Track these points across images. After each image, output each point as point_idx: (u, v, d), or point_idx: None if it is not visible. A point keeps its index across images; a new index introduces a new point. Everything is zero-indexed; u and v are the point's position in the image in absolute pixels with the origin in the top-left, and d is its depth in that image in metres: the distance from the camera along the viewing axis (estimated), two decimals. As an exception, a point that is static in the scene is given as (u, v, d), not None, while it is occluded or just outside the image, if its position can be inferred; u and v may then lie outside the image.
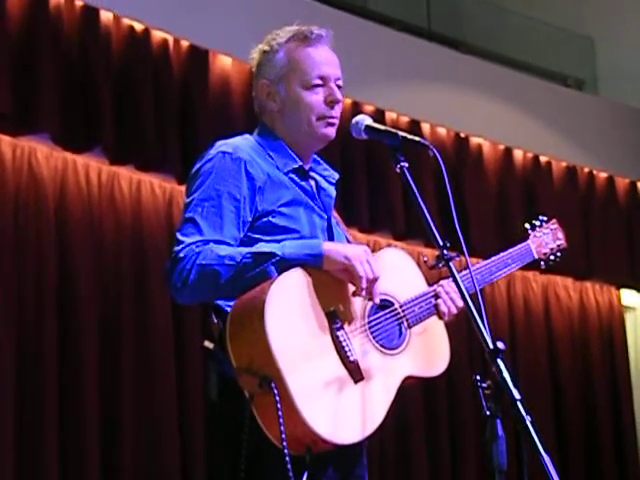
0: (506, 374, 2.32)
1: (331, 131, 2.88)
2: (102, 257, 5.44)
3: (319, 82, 2.86)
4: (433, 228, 2.57)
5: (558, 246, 3.36)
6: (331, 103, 2.86)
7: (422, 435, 6.70)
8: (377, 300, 2.69)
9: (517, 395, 2.30)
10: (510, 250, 3.18)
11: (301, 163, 2.87)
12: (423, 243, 6.57)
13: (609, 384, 7.75)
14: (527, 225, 3.35)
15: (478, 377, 2.37)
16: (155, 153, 5.59)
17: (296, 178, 2.85)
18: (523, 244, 3.25)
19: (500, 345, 2.35)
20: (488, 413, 2.33)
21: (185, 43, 5.88)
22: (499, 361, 2.34)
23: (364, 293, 2.63)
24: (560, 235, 3.38)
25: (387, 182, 6.53)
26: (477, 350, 6.35)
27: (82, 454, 5.14)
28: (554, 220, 3.41)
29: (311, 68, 2.86)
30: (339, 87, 2.88)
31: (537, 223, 3.36)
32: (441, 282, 2.89)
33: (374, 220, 6.63)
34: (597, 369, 7.71)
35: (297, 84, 2.85)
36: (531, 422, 2.27)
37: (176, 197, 5.76)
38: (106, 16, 5.55)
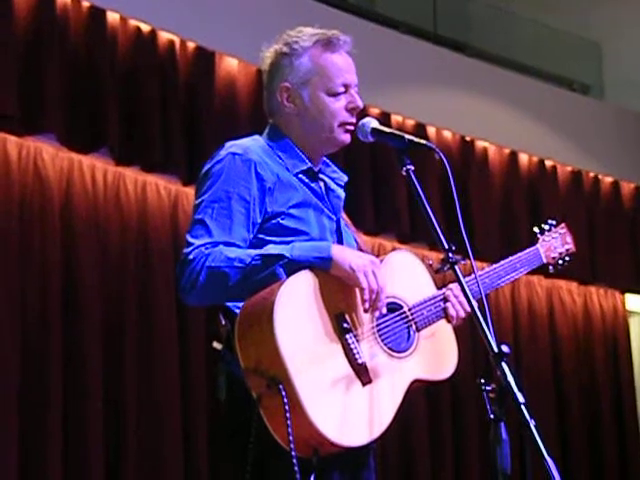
0: (510, 378, 2.32)
1: (348, 138, 2.89)
2: (107, 257, 5.44)
3: (342, 90, 2.88)
4: (438, 231, 2.57)
5: (567, 250, 3.35)
6: (352, 110, 2.88)
7: (425, 438, 6.69)
8: (384, 310, 2.68)
9: (521, 399, 2.30)
10: (519, 254, 3.16)
11: (310, 165, 2.87)
12: (428, 246, 6.57)
13: (613, 388, 7.75)
14: (536, 229, 3.34)
15: (482, 380, 2.37)
16: (161, 154, 5.59)
17: (305, 179, 2.85)
18: (532, 248, 3.24)
19: (504, 349, 2.35)
20: (492, 416, 2.33)
21: (191, 44, 5.88)
22: (503, 365, 2.33)
23: (367, 305, 2.63)
24: (569, 239, 3.37)
25: (392, 185, 6.53)
26: (481, 353, 6.35)
27: (86, 456, 5.15)
28: (563, 224, 3.39)
29: (336, 75, 2.88)
30: None
31: (546, 227, 3.35)
32: (450, 285, 2.88)
33: (379, 223, 6.62)
34: (601, 373, 7.70)
35: (322, 90, 2.86)
36: (535, 426, 2.27)
37: (181, 198, 5.77)
38: (113, 17, 5.56)
